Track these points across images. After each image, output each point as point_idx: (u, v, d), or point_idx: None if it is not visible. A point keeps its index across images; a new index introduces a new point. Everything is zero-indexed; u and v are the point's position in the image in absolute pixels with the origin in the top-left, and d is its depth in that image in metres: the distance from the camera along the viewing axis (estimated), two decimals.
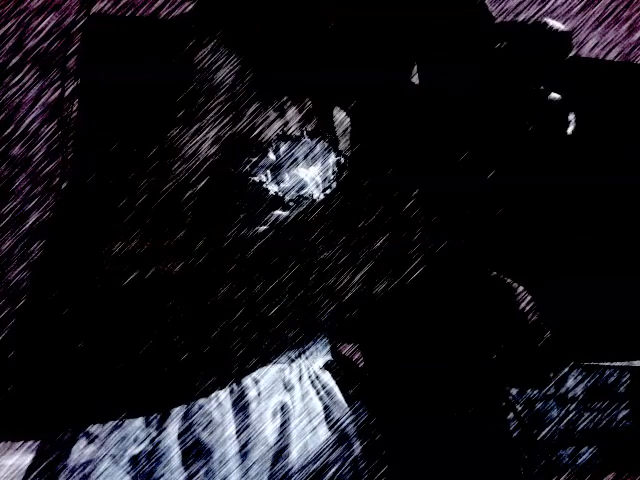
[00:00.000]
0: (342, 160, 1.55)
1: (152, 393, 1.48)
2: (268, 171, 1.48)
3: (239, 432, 1.47)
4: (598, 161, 1.68)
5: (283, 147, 1.49)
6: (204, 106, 1.46)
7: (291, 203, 1.48)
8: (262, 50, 1.49)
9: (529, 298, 1.59)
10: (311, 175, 1.51)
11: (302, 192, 1.50)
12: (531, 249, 1.62)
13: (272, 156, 1.48)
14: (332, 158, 1.54)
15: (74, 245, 1.46)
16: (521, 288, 1.59)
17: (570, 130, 1.59)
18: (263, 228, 1.47)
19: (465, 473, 1.56)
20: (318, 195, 1.51)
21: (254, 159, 1.47)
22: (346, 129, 1.59)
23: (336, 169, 1.54)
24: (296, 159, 1.50)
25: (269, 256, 1.46)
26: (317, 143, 1.53)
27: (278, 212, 1.48)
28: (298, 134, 1.51)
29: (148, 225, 1.43)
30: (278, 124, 1.49)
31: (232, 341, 1.49)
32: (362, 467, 1.53)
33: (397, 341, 1.61)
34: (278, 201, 1.48)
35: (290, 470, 1.47)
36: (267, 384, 1.50)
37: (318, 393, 1.55)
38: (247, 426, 1.47)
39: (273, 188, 1.48)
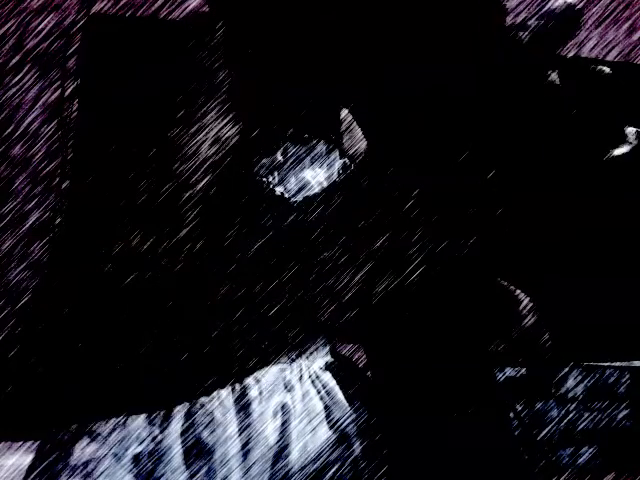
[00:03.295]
0: (347, 162, 1.55)
1: (153, 392, 1.48)
2: (275, 172, 1.48)
3: (240, 432, 1.47)
4: (598, 160, 1.68)
5: (290, 148, 1.49)
6: (204, 106, 1.46)
7: (295, 204, 1.48)
8: (266, 50, 1.49)
9: (528, 299, 1.59)
10: (316, 176, 1.51)
11: (307, 193, 1.50)
12: (531, 249, 1.62)
13: (279, 157, 1.48)
14: (337, 160, 1.54)
15: (75, 245, 1.46)
16: (520, 290, 1.60)
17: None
18: (265, 228, 1.47)
19: (465, 473, 1.56)
20: (323, 196, 1.51)
21: (262, 159, 1.47)
22: (349, 129, 1.59)
23: (341, 171, 1.54)
24: (302, 160, 1.50)
25: (269, 256, 1.46)
26: (322, 144, 1.53)
27: (282, 212, 1.48)
28: (304, 135, 1.50)
29: (148, 225, 1.43)
30: (285, 125, 1.49)
31: (232, 341, 1.49)
32: (362, 467, 1.53)
33: (397, 341, 1.61)
34: (283, 202, 1.48)
35: (290, 470, 1.47)
36: (268, 384, 1.50)
37: (318, 393, 1.55)
38: (248, 426, 1.47)
39: (279, 189, 1.48)
